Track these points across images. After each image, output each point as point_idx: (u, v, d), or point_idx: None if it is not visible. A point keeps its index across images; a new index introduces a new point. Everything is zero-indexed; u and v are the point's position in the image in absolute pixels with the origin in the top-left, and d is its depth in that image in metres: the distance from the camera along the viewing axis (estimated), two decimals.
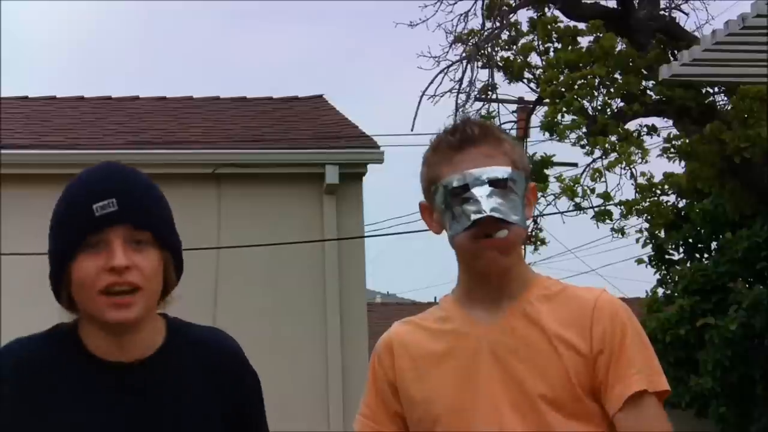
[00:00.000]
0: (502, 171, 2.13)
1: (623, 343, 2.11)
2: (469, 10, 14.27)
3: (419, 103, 13.51)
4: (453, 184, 2.13)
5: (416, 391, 2.20)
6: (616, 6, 13.66)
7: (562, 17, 13.63)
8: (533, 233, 13.92)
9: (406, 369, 2.22)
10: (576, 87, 12.53)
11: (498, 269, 2.15)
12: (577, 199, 12.63)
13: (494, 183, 2.12)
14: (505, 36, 13.89)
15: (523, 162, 2.20)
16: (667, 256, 15.88)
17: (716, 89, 13.16)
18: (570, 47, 13.06)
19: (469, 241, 2.14)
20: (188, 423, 1.98)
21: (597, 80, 12.66)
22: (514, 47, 13.74)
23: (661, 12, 13.68)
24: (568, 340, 2.13)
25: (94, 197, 1.95)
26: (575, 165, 14.19)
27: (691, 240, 15.69)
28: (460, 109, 13.67)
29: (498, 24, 13.86)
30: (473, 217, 2.11)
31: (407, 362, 2.23)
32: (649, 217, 13.21)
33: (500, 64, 13.72)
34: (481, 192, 2.11)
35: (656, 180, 13.05)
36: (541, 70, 13.47)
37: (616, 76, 12.81)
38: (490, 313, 2.19)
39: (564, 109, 12.49)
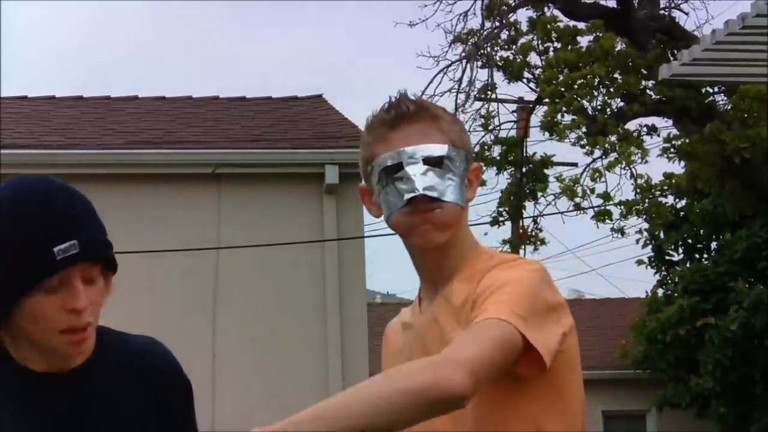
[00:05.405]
0: (437, 149, 2.02)
1: (495, 288, 1.94)
2: (469, 10, 14.30)
3: None
4: (387, 163, 2.03)
5: None
6: (616, 6, 13.66)
7: (561, 17, 13.64)
8: (533, 233, 13.92)
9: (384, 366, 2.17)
10: (576, 87, 12.53)
11: (432, 244, 2.04)
12: (577, 199, 12.65)
13: (429, 161, 2.01)
14: (504, 36, 13.91)
15: (463, 141, 2.08)
16: (666, 257, 15.88)
17: (716, 89, 13.17)
18: (570, 47, 13.07)
19: (404, 216, 2.03)
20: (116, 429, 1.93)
21: (597, 80, 12.67)
22: (514, 47, 13.74)
23: (661, 12, 13.68)
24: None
25: (54, 238, 1.85)
26: (575, 165, 14.21)
27: (690, 240, 15.70)
28: (460, 109, 13.69)
29: (497, 23, 13.87)
30: (406, 196, 2.01)
31: (385, 358, 2.20)
32: (648, 218, 13.23)
33: (500, 63, 13.72)
34: (414, 170, 2.01)
35: (656, 180, 13.08)
36: (540, 70, 13.47)
37: (616, 76, 12.82)
38: (430, 301, 2.09)
39: (564, 108, 12.51)
